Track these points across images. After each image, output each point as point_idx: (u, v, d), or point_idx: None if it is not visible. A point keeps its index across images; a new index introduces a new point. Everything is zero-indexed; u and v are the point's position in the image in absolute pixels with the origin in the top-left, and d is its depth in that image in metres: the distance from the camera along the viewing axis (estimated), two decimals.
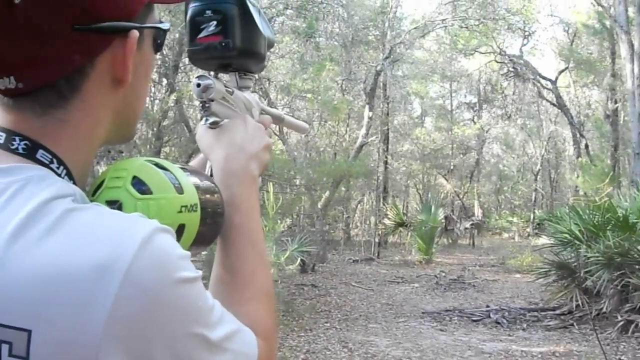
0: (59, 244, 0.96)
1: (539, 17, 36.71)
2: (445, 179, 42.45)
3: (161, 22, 1.27)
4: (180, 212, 1.21)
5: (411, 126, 42.88)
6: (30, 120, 1.11)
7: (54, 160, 1.11)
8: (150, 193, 1.18)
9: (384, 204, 32.28)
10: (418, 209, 36.40)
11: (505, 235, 42.22)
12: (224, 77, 1.62)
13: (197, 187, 1.28)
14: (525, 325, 14.22)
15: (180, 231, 1.21)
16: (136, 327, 0.95)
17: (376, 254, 28.80)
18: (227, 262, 1.41)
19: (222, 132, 1.52)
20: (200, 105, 1.52)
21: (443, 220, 30.04)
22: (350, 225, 38.11)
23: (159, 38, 1.27)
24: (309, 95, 27.27)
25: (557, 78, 36.67)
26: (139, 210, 1.15)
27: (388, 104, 33.39)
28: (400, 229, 29.62)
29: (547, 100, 38.34)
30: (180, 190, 1.22)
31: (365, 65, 30.12)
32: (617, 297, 13.50)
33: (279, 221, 11.69)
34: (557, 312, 14.81)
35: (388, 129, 33.98)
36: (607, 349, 11.11)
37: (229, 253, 1.41)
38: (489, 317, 14.96)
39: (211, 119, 1.53)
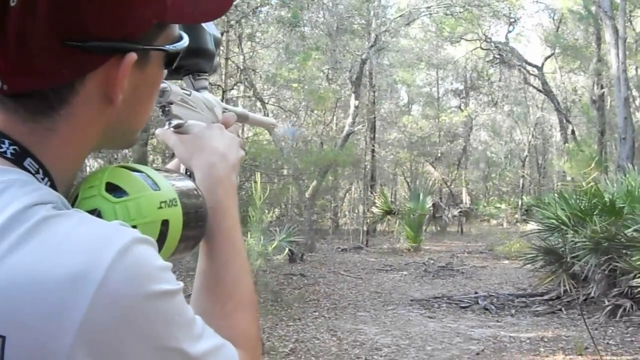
0: (35, 251, 0.94)
1: (524, 4, 36.79)
2: (433, 166, 42.47)
3: (178, 40, 1.26)
4: (161, 207, 1.20)
5: (398, 114, 42.88)
6: (17, 125, 1.10)
7: (40, 171, 1.10)
8: (127, 195, 1.17)
9: (371, 193, 32.31)
10: (406, 197, 36.41)
11: (494, 222, 42.23)
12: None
13: (175, 185, 1.28)
14: (513, 311, 14.25)
15: (165, 227, 1.21)
16: (107, 338, 0.94)
17: (364, 243, 28.83)
18: (211, 270, 1.40)
19: (200, 139, 1.52)
20: (160, 109, 1.51)
21: (431, 208, 30.01)
22: (339, 214, 38.14)
23: (171, 57, 1.26)
24: (295, 85, 27.27)
25: (543, 64, 36.76)
26: (119, 213, 1.15)
27: (374, 92, 33.41)
28: (389, 217, 29.60)
29: (534, 87, 38.37)
30: (155, 187, 1.21)
31: (350, 54, 30.11)
32: (605, 281, 13.53)
33: (266, 211, 11.65)
34: (545, 297, 14.84)
35: (375, 118, 34.00)
36: (595, 334, 11.14)
37: (213, 261, 1.40)
38: (477, 303, 14.99)
39: (174, 122, 1.52)
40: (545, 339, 11.63)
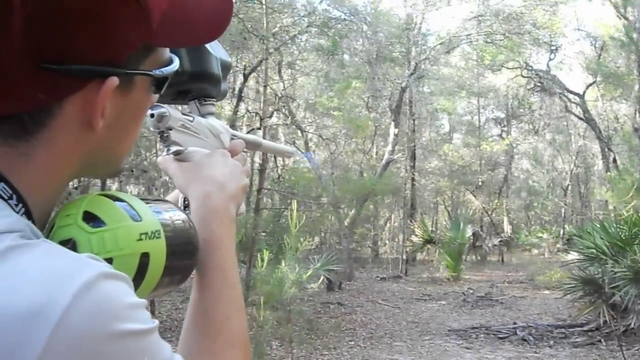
0: None
1: (566, 31, 36.52)
2: (474, 195, 42.22)
3: (167, 64, 1.20)
4: (140, 239, 1.13)
5: (439, 142, 42.77)
6: None
7: (14, 197, 1.03)
8: (104, 225, 1.10)
9: (411, 221, 32.15)
10: (447, 225, 36.21)
11: (535, 251, 41.89)
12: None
13: (161, 216, 1.21)
14: (552, 342, 14.08)
15: (145, 261, 1.13)
16: None
17: (404, 272, 28.72)
18: (200, 305, 1.35)
19: (200, 167, 1.46)
20: (159, 135, 1.44)
21: (471, 237, 29.85)
22: (379, 243, 38.00)
23: (160, 81, 1.20)
24: (335, 113, 27.30)
25: (584, 92, 36.45)
26: (94, 245, 1.08)
27: (414, 120, 33.32)
28: (429, 246, 29.49)
29: (575, 115, 38.10)
30: (136, 218, 1.14)
31: (390, 82, 30.11)
32: None
33: (302, 239, 11.59)
34: (585, 328, 14.65)
35: (415, 146, 33.89)
36: None
37: (204, 296, 1.35)
38: (516, 334, 14.82)
39: (173, 148, 1.46)
40: None
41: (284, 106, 22.36)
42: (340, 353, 13.14)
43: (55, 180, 1.10)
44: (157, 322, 0.98)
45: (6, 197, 1.02)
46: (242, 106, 22.19)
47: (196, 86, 1.53)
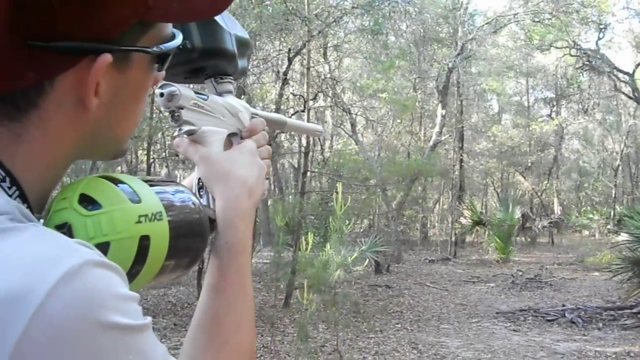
0: None
1: (614, 10, 36.09)
2: (523, 176, 42.01)
3: (168, 40, 1.15)
4: (139, 222, 1.08)
5: (487, 123, 42.55)
6: None
7: (7, 179, 0.99)
8: (100, 207, 1.06)
9: (460, 203, 32.03)
10: (496, 207, 36.04)
11: (586, 232, 41.65)
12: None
13: (166, 197, 1.17)
14: (600, 325, 13.96)
15: (145, 245, 1.09)
16: None
17: (453, 254, 28.68)
18: (212, 309, 1.31)
19: (230, 162, 1.41)
20: (170, 115, 1.39)
21: (520, 219, 29.67)
22: (427, 225, 37.93)
23: (159, 58, 1.15)
24: (381, 95, 27.23)
25: (634, 71, 35.98)
26: (90, 228, 1.04)
27: (462, 101, 33.14)
28: (477, 227, 29.37)
29: (625, 94, 37.63)
30: (136, 199, 1.10)
31: (437, 63, 29.97)
32: None
33: (347, 222, 11.54)
34: (634, 310, 14.51)
35: (463, 127, 33.72)
36: None
37: (217, 300, 1.31)
38: (564, 316, 14.72)
39: (185, 128, 1.39)
40: (632, 354, 11.35)
41: (327, 88, 22.31)
42: (386, 336, 13.13)
43: (51, 162, 1.06)
44: (149, 319, 0.93)
45: None
46: (288, 90, 22.21)
47: (210, 63, 1.48)
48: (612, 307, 15.36)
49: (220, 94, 1.51)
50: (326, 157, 26.56)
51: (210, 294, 1.31)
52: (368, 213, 28.64)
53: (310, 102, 17.94)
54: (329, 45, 23.24)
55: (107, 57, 1.00)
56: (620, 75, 35.86)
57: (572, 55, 36.26)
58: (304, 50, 17.24)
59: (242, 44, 1.51)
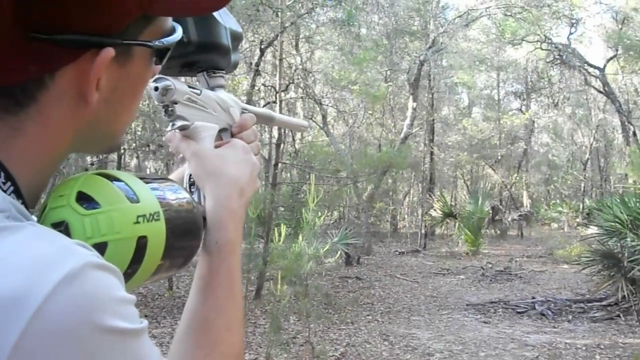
0: None
1: (586, 4, 36.31)
2: (493, 169, 42.20)
3: (169, 34, 1.14)
4: (138, 222, 1.07)
5: (458, 117, 42.71)
6: None
7: (1, 174, 0.97)
8: (99, 207, 1.04)
9: (430, 196, 32.15)
10: (466, 200, 36.20)
11: (555, 225, 41.92)
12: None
13: (162, 196, 1.16)
14: (570, 317, 14.06)
15: (142, 245, 1.07)
16: None
17: (423, 246, 28.80)
18: (201, 311, 1.28)
19: (221, 160, 1.39)
20: (163, 110, 1.37)
21: (490, 212, 29.84)
22: (397, 217, 38.05)
23: (162, 52, 1.13)
24: (353, 87, 27.25)
25: (604, 65, 36.23)
26: (88, 228, 1.02)
27: (433, 94, 33.23)
28: (448, 220, 29.50)
29: (595, 88, 37.89)
30: (134, 198, 1.08)
31: (409, 56, 30.02)
32: None
33: (319, 214, 11.56)
34: (604, 303, 14.61)
35: (434, 120, 33.83)
36: None
37: (207, 301, 1.29)
38: (534, 308, 14.82)
39: (178, 123, 1.38)
40: (602, 346, 11.42)
41: (299, 79, 22.27)
42: (357, 327, 13.15)
43: (48, 156, 1.04)
44: (146, 322, 0.92)
45: None
46: (260, 80, 22.16)
47: (204, 57, 1.46)
48: (582, 299, 15.46)
49: (212, 88, 1.50)
50: (297, 148, 26.56)
51: (200, 295, 1.29)
52: (338, 205, 28.67)
53: (282, 94, 17.86)
54: (300, 37, 23.20)
55: (110, 51, 0.99)
56: (591, 69, 36.12)
57: (543, 49, 36.45)
58: (276, 42, 17.20)
59: (236, 38, 1.51)
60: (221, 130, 1.48)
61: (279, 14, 15.69)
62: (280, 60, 17.16)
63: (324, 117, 26.33)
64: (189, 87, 1.39)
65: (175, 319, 12.79)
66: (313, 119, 29.30)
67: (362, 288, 17.85)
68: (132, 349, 0.89)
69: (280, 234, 10.63)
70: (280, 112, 16.70)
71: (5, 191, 0.96)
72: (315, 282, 13.61)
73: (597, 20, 39.56)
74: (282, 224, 11.40)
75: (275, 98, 17.91)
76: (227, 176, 1.37)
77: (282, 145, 18.52)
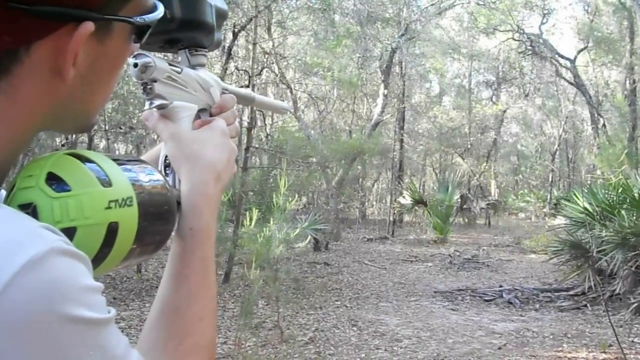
0: None
1: None
2: (462, 158, 42.34)
3: (151, 10, 1.10)
4: (109, 207, 1.03)
5: (429, 105, 42.80)
6: None
7: None
8: (69, 190, 1.00)
9: (399, 183, 32.22)
10: (434, 188, 36.31)
11: (522, 215, 42.19)
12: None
13: (136, 182, 1.11)
14: (537, 306, 14.13)
15: (113, 231, 1.04)
16: None
17: (391, 233, 28.86)
18: (173, 299, 1.24)
19: (198, 143, 1.34)
20: (142, 87, 1.33)
21: (459, 200, 29.95)
22: (366, 204, 38.11)
23: (142, 29, 1.09)
24: (325, 73, 27.23)
25: (575, 57, 36.43)
26: (56, 211, 0.98)
27: (404, 82, 33.26)
28: (417, 207, 29.55)
29: (565, 80, 38.07)
30: (107, 182, 1.04)
31: (381, 43, 30.02)
32: (631, 278, 13.34)
33: (290, 199, 11.54)
34: (571, 292, 14.70)
35: (404, 107, 33.86)
36: (619, 331, 10.97)
37: (179, 290, 1.25)
38: (502, 297, 14.88)
39: (156, 102, 1.33)
40: (569, 335, 11.49)
41: (272, 64, 22.23)
42: (326, 313, 13.15)
43: (17, 132, 1.00)
44: (113, 311, 0.90)
45: None
46: (232, 64, 22.08)
47: (187, 35, 1.40)
48: (549, 289, 15.55)
49: (193, 67, 1.45)
50: (268, 133, 26.53)
51: (172, 283, 1.26)
52: (308, 190, 28.67)
53: (255, 78, 17.82)
54: (273, 21, 23.16)
55: (89, 26, 0.96)
56: (562, 61, 36.29)
57: (515, 40, 36.58)
58: (249, 26, 17.14)
59: (221, 16, 1.46)
60: (200, 111, 1.45)
61: None
62: (254, 44, 17.10)
63: (295, 102, 26.31)
64: (170, 64, 1.36)
65: (143, 302, 12.75)
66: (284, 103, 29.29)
67: (330, 274, 17.86)
68: (97, 340, 0.86)
69: (251, 218, 10.61)
70: None
71: None
72: (284, 267, 13.60)
73: (569, 12, 39.71)
74: (253, 208, 11.35)
75: (249, 82, 17.86)
76: (204, 160, 1.33)
77: (253, 130, 18.48)
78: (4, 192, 1.07)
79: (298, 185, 21.34)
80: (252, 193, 18.36)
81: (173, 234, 1.26)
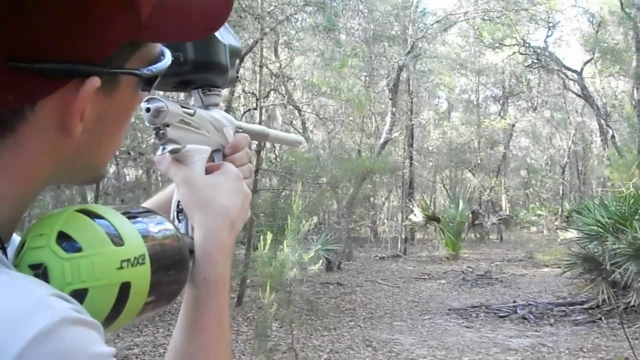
0: None
1: (563, 8, 36.46)
2: (472, 173, 42.27)
3: (157, 60, 1.08)
4: (122, 268, 1.00)
5: (437, 121, 42.79)
6: None
7: None
8: (80, 250, 0.97)
9: (410, 201, 32.16)
10: (445, 204, 36.27)
11: (534, 229, 42.05)
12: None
13: (147, 235, 1.09)
14: (552, 320, 14.09)
15: (125, 290, 1.01)
16: None
17: (403, 251, 28.79)
18: (189, 351, 1.23)
19: (212, 189, 1.32)
20: (154, 132, 1.31)
21: (470, 216, 29.88)
22: (377, 223, 38.04)
23: (147, 79, 1.06)
24: (332, 93, 27.24)
25: (582, 69, 36.36)
26: (67, 272, 0.96)
27: (412, 99, 33.27)
28: (428, 224, 29.46)
29: (573, 92, 38.04)
30: (119, 241, 1.02)
31: (388, 61, 30.05)
32: None
33: (304, 220, 11.52)
34: (585, 306, 14.65)
35: (413, 125, 33.85)
36: (635, 344, 10.94)
37: (194, 340, 1.23)
38: (516, 312, 14.83)
39: (169, 147, 1.32)
40: (585, 349, 11.45)
41: (280, 85, 22.26)
42: (340, 334, 13.12)
43: (24, 189, 0.98)
44: None
45: None
46: (239, 87, 22.09)
47: (201, 76, 1.40)
48: (563, 303, 15.50)
49: (206, 107, 1.45)
50: (277, 155, 26.55)
51: (187, 334, 1.24)
52: (319, 211, 28.66)
53: (263, 100, 17.84)
54: (280, 42, 23.20)
55: (95, 81, 0.93)
56: (569, 73, 36.22)
57: (521, 53, 36.56)
58: (256, 48, 17.17)
59: (234, 54, 1.44)
60: (214, 151, 1.44)
61: (260, 20, 15.65)
62: (261, 67, 17.13)
63: (304, 123, 26.34)
64: (182, 107, 1.34)
65: (157, 327, 12.73)
66: (293, 125, 29.30)
67: (343, 294, 17.82)
68: None
69: (266, 241, 10.59)
70: (260, 119, 16.73)
71: None
72: (298, 288, 13.60)
73: (574, 24, 39.67)
74: (266, 231, 11.33)
75: (256, 105, 17.88)
76: (218, 207, 1.30)
77: (262, 152, 18.50)
78: (16, 240, 1.05)
79: (309, 205, 21.34)
80: (262, 215, 18.34)
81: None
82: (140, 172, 20.25)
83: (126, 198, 15.45)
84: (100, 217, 1.03)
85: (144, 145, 16.49)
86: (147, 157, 16.57)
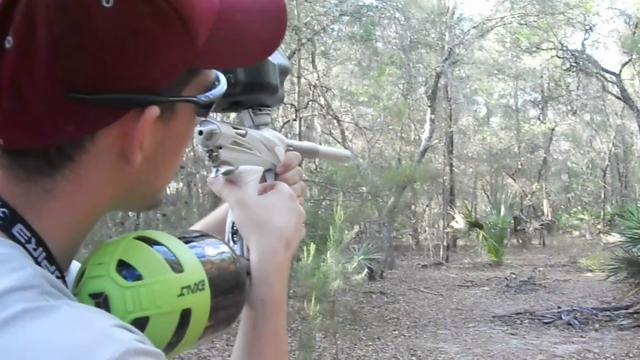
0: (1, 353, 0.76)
1: (599, 10, 36.16)
2: (513, 179, 42.00)
3: (213, 86, 1.08)
4: (182, 295, 1.00)
5: (476, 127, 42.58)
6: (10, 184, 0.93)
7: (32, 240, 0.92)
8: (141, 278, 0.98)
9: (451, 207, 32.03)
10: (486, 210, 36.07)
11: (576, 233, 41.69)
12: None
13: (205, 259, 1.09)
14: (597, 326, 13.98)
15: (186, 316, 1.02)
16: None
17: (445, 258, 28.64)
18: None
19: (266, 210, 1.31)
20: (207, 154, 1.30)
21: (512, 221, 29.69)
22: (419, 230, 37.91)
23: (204, 105, 1.06)
24: (371, 102, 27.24)
25: (620, 71, 36.02)
26: (129, 301, 0.96)
27: (450, 105, 33.16)
28: (470, 231, 29.32)
29: (612, 94, 37.68)
30: (178, 267, 1.02)
31: (425, 68, 29.99)
32: None
33: (346, 231, 11.53)
34: (630, 310, 14.53)
35: (452, 131, 33.75)
36: None
37: None
38: (561, 318, 14.73)
39: (222, 169, 1.31)
40: (631, 355, 11.38)
41: (319, 96, 22.31)
42: (384, 343, 13.11)
43: (83, 218, 0.99)
44: None
45: (23, 241, 0.92)
46: None
47: (251, 97, 1.39)
48: (608, 307, 15.38)
49: (257, 127, 1.44)
50: (317, 165, 26.58)
51: (245, 355, 1.24)
52: (360, 220, 28.60)
53: (301, 111, 17.89)
54: (317, 53, 23.23)
55: (154, 110, 0.94)
56: (607, 75, 35.91)
57: (559, 57, 36.30)
58: (294, 59, 17.23)
59: (283, 72, 1.44)
60: (266, 171, 1.43)
61: (297, 31, 15.71)
62: (299, 78, 17.18)
63: (343, 132, 26.35)
64: (234, 128, 1.33)
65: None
66: (332, 134, 29.32)
67: (386, 303, 17.79)
68: None
69: (307, 252, 10.60)
70: (299, 130, 16.76)
71: (36, 258, 0.92)
72: (341, 298, 13.59)
73: (611, 26, 39.25)
74: (310, 242, 11.32)
75: (295, 116, 17.93)
76: (273, 227, 1.29)
77: (302, 162, 18.55)
78: (74, 270, 1.06)
79: (350, 215, 21.32)
80: (304, 226, 18.36)
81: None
82: (181, 185, 20.34)
83: (167, 212, 15.52)
84: (158, 243, 1.03)
85: (184, 158, 16.58)
86: (187, 170, 16.65)
